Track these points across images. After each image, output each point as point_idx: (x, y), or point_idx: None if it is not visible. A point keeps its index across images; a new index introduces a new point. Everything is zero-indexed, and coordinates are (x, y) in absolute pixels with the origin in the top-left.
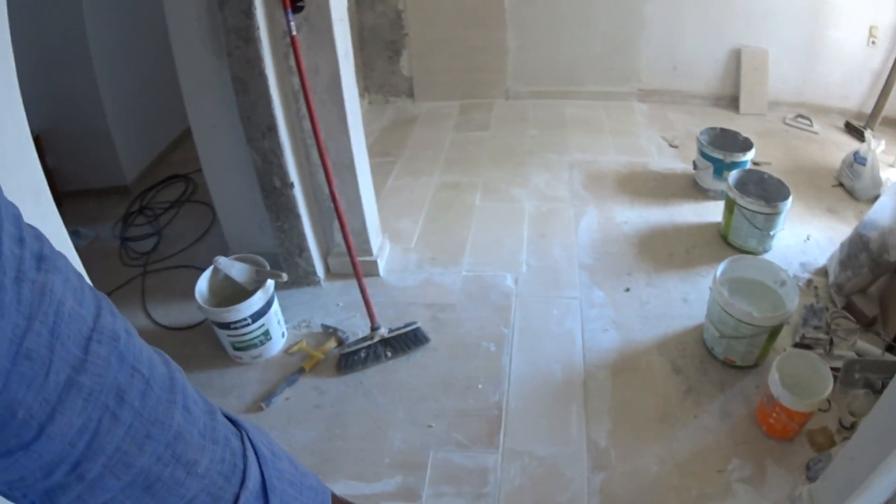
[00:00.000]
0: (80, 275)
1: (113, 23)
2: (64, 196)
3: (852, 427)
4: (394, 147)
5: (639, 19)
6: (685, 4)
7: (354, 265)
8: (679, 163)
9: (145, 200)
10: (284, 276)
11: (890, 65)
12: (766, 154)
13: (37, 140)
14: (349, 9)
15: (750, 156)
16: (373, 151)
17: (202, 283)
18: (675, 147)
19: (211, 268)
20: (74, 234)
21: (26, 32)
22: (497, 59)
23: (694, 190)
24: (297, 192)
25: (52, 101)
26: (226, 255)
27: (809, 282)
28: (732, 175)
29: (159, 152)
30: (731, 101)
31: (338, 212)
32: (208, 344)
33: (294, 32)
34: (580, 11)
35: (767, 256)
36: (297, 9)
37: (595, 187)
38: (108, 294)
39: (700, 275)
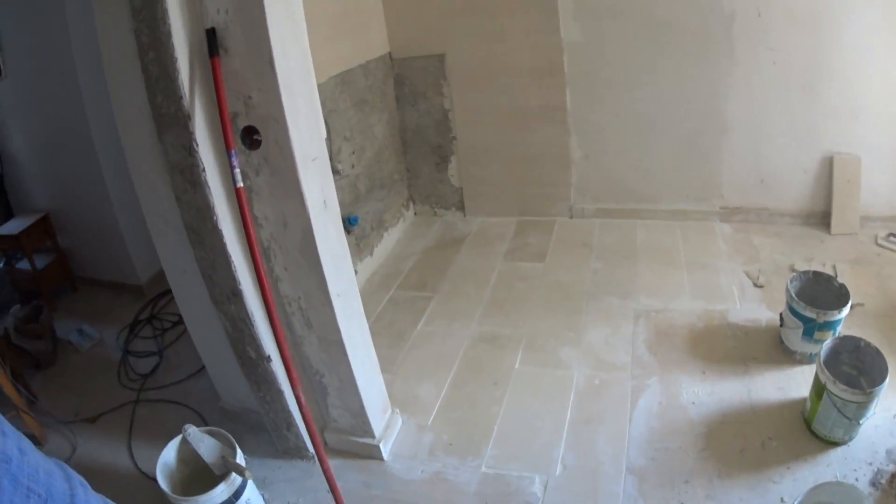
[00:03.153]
0: None
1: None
2: (79, 281)
3: None
4: (432, 277)
5: (719, 122)
6: (770, 104)
7: (329, 479)
8: (764, 310)
9: (157, 308)
10: (249, 476)
11: None
12: (859, 290)
13: (45, 218)
14: (388, 104)
15: (845, 312)
16: (408, 282)
17: (168, 454)
18: (761, 287)
19: (179, 437)
20: (78, 333)
21: (32, 114)
22: (559, 170)
23: (778, 351)
24: (277, 366)
25: (57, 181)
26: (215, 402)
27: (893, 477)
28: (825, 348)
29: None
30: (822, 219)
31: (300, 406)
32: None
33: (239, 183)
34: (654, 113)
35: (852, 444)
36: (254, 144)
37: (662, 349)
38: (98, 417)
39: (773, 481)
